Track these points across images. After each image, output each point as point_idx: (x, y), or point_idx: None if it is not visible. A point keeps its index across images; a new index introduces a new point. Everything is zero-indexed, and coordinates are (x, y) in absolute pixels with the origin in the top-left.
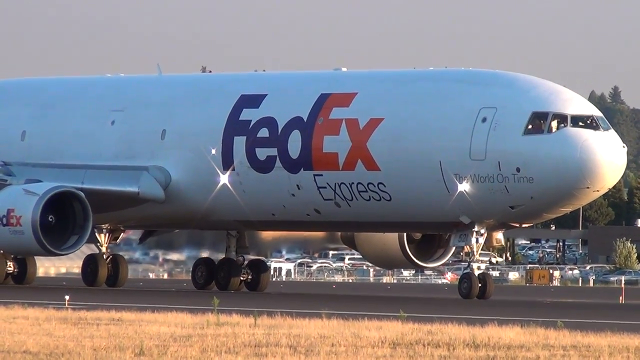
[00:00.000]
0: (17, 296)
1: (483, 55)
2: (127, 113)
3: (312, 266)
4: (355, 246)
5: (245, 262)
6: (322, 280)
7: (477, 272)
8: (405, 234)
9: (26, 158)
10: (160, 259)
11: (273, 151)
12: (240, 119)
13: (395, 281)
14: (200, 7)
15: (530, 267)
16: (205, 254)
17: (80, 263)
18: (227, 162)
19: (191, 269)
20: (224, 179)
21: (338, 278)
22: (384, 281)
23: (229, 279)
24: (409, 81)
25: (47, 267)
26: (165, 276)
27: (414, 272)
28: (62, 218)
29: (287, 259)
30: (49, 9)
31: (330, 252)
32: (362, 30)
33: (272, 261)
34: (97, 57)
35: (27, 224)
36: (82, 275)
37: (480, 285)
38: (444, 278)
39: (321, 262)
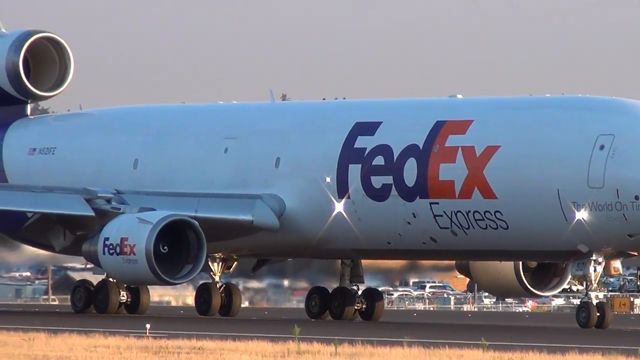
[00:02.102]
0: (99, 324)
1: (600, 82)
2: (241, 141)
3: (392, 294)
4: (469, 274)
5: (359, 292)
6: (403, 309)
7: (595, 302)
8: (521, 263)
9: (138, 186)
10: (241, 287)
11: (389, 179)
12: (355, 146)
13: (476, 309)
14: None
15: (611, 294)
16: (286, 283)
17: (193, 292)
18: (342, 190)
19: (305, 298)
20: (339, 207)
21: (419, 306)
22: (465, 309)
23: (343, 308)
24: (526, 108)
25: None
26: (247, 304)
27: (494, 300)
28: (176, 247)
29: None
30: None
31: (411, 280)
32: (477, 57)
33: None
34: (208, 84)
35: (141, 252)
36: (196, 305)
37: (598, 314)
38: (525, 306)
39: (402, 290)
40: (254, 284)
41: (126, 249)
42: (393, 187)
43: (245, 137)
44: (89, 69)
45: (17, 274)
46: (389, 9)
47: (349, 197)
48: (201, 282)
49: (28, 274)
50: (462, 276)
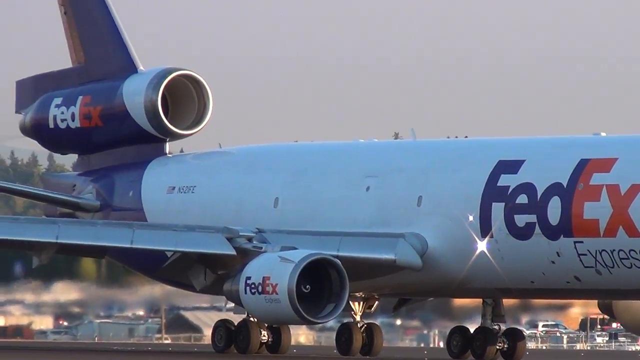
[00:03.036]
0: None
1: None
2: (383, 179)
3: None
4: (612, 314)
5: (501, 331)
6: None
7: None
8: None
9: (279, 225)
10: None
11: (532, 217)
12: (498, 184)
13: (588, 348)
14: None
15: None
16: (399, 322)
17: (334, 332)
18: (485, 228)
19: (446, 337)
20: (482, 246)
21: (531, 345)
22: (578, 347)
23: (485, 347)
24: None
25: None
26: None
27: (607, 338)
28: (318, 286)
29: None
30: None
31: (523, 319)
32: (621, 94)
33: None
34: (348, 123)
35: (283, 292)
36: (337, 345)
37: None
38: (638, 344)
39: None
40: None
41: (268, 288)
42: (537, 226)
43: (387, 175)
44: (224, 107)
45: (129, 313)
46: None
47: (492, 236)
48: (343, 321)
49: (141, 312)
50: (575, 314)
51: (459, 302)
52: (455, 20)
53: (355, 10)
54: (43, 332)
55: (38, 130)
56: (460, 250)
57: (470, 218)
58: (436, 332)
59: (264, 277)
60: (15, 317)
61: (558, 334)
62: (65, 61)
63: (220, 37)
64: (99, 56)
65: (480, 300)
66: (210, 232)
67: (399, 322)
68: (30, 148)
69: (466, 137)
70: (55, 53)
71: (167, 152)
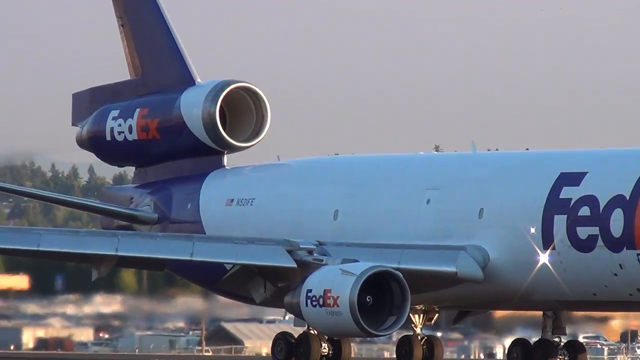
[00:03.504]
0: None
1: None
2: (443, 191)
3: None
4: None
5: (562, 344)
6: None
7: None
8: None
9: (338, 237)
10: (394, 339)
11: (595, 230)
12: (560, 197)
13: (629, 359)
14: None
15: None
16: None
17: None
18: (547, 241)
19: (507, 350)
20: (544, 258)
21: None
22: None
23: None
24: None
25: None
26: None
27: None
28: (379, 298)
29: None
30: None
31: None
32: None
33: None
34: (408, 133)
35: (344, 304)
36: (397, 357)
37: None
38: None
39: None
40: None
41: (329, 301)
42: (599, 238)
43: (448, 187)
44: (281, 119)
45: (170, 325)
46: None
47: (554, 248)
48: (402, 334)
49: (181, 324)
50: (615, 326)
51: (499, 314)
52: (508, 27)
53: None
54: (84, 344)
55: (95, 143)
56: (522, 263)
57: (532, 230)
58: (477, 343)
59: (325, 290)
60: (56, 329)
61: (599, 346)
62: (122, 74)
63: (276, 49)
64: (156, 68)
65: (522, 312)
66: (270, 245)
67: (439, 334)
68: (87, 161)
69: (527, 149)
70: (111, 65)
71: (225, 164)
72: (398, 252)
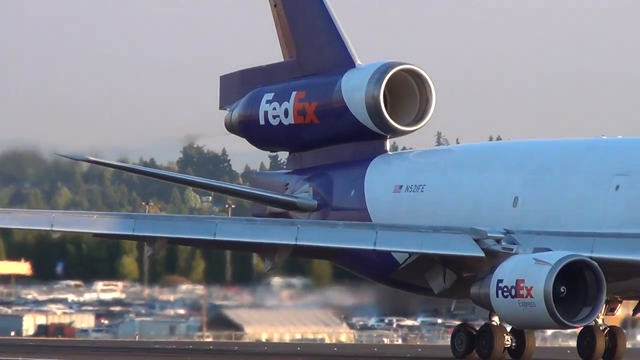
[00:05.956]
0: None
1: None
2: (634, 177)
3: (546, 331)
4: None
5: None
6: (557, 345)
7: None
8: None
9: (518, 225)
10: (394, 325)
11: None
12: None
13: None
14: None
15: None
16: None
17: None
18: None
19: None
20: None
21: (572, 343)
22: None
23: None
24: None
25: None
26: (400, 341)
27: None
28: (572, 289)
29: None
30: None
31: None
32: None
33: None
34: (593, 117)
35: (539, 295)
36: (578, 348)
37: None
38: None
39: None
40: (408, 321)
41: (522, 292)
42: None
43: (638, 173)
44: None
45: (171, 311)
46: None
47: None
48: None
49: (182, 311)
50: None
51: None
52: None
53: None
54: (84, 331)
55: (247, 127)
56: None
57: None
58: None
59: (517, 280)
60: (57, 316)
61: None
62: (272, 55)
63: (435, 29)
64: (313, 50)
65: None
66: (456, 234)
67: (439, 320)
68: (238, 146)
69: None
70: (261, 47)
71: (387, 149)
72: (590, 240)
